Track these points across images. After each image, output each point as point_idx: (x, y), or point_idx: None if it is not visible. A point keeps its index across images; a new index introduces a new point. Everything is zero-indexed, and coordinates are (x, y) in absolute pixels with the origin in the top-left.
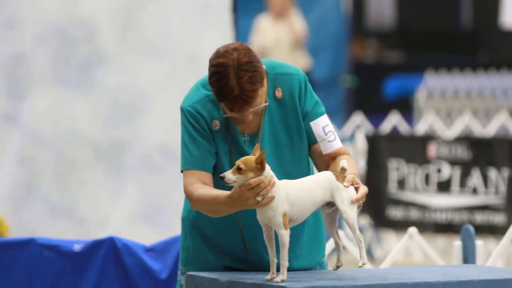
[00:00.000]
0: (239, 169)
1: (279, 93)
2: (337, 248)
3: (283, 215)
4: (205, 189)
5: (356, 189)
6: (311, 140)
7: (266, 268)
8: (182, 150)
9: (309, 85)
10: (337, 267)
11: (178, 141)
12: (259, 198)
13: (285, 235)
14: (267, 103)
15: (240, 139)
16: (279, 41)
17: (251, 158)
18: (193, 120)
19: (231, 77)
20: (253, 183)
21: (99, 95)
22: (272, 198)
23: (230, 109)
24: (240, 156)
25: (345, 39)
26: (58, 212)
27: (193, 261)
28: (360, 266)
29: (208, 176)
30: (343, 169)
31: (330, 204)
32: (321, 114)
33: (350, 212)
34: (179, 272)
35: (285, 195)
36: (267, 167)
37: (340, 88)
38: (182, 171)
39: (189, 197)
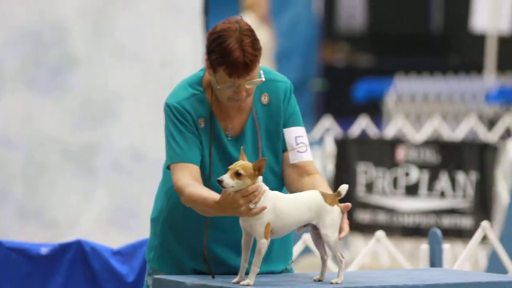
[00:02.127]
0: (238, 174)
1: (265, 99)
2: (322, 263)
3: (267, 224)
4: (196, 187)
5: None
6: (283, 147)
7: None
8: (169, 144)
9: (293, 96)
10: (319, 280)
11: (149, 144)
12: (251, 206)
13: (264, 244)
14: (263, 80)
15: (223, 136)
16: (264, 46)
17: (248, 164)
18: (180, 116)
19: (234, 39)
20: (250, 189)
21: (70, 99)
22: (263, 208)
23: (229, 74)
24: (222, 154)
25: (315, 43)
26: (28, 215)
27: (160, 259)
28: (332, 283)
29: (197, 170)
30: (339, 193)
31: (306, 224)
32: (297, 125)
33: (331, 235)
34: (146, 273)
35: (272, 206)
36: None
37: (310, 91)
38: (168, 166)
39: (180, 193)
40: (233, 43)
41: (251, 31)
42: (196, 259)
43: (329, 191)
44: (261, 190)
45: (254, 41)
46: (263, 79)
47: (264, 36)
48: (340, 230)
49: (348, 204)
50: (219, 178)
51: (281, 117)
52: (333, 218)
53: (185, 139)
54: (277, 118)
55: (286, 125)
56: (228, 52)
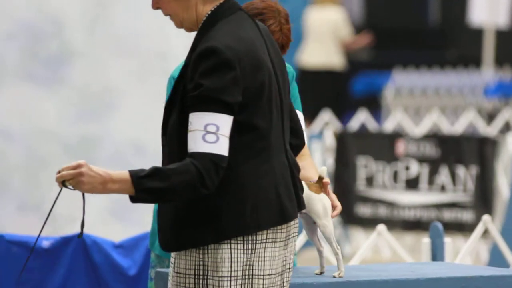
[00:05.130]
0: None
1: None
2: (319, 254)
3: None
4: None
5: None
6: None
7: None
8: None
9: (295, 82)
10: (321, 273)
11: (149, 137)
12: None
13: None
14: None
15: None
16: (335, 25)
17: None
18: None
19: (276, 22)
20: None
21: (69, 91)
22: None
23: None
24: None
25: None
26: (28, 209)
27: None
28: (335, 276)
29: None
30: (320, 178)
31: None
32: (296, 109)
33: (327, 224)
34: (150, 265)
35: None
36: None
37: None
38: None
39: None
40: (275, 24)
41: (288, 16)
42: None
43: (316, 173)
44: None
45: (290, 29)
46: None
47: (336, 15)
48: (333, 207)
49: (327, 181)
50: None
51: None
52: (324, 205)
53: None
54: None
55: None
56: (270, 31)
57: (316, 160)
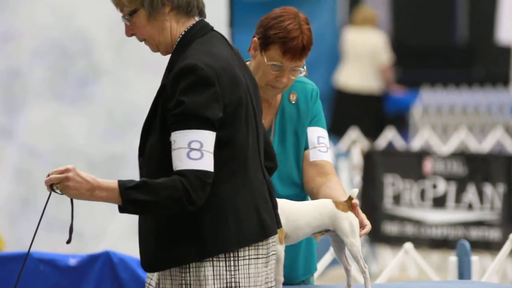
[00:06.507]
0: None
1: (293, 97)
2: (347, 273)
3: (280, 229)
4: None
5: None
6: (305, 145)
7: None
8: None
9: (319, 99)
10: None
11: None
12: None
13: (280, 250)
14: (306, 72)
15: None
16: (373, 49)
17: None
18: None
19: (295, 22)
20: None
21: (96, 109)
22: None
23: (284, 51)
24: None
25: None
26: (54, 226)
27: None
28: None
29: None
30: (350, 199)
31: (323, 232)
32: (321, 126)
33: (355, 242)
34: None
35: (281, 211)
36: None
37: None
38: None
39: None
40: (294, 23)
41: (308, 21)
42: None
43: (343, 193)
44: None
45: (310, 30)
46: (306, 71)
47: (376, 39)
48: (362, 227)
49: (356, 202)
50: None
51: (308, 116)
52: (352, 224)
53: None
54: (305, 117)
55: (310, 124)
56: (288, 30)
57: (343, 178)
